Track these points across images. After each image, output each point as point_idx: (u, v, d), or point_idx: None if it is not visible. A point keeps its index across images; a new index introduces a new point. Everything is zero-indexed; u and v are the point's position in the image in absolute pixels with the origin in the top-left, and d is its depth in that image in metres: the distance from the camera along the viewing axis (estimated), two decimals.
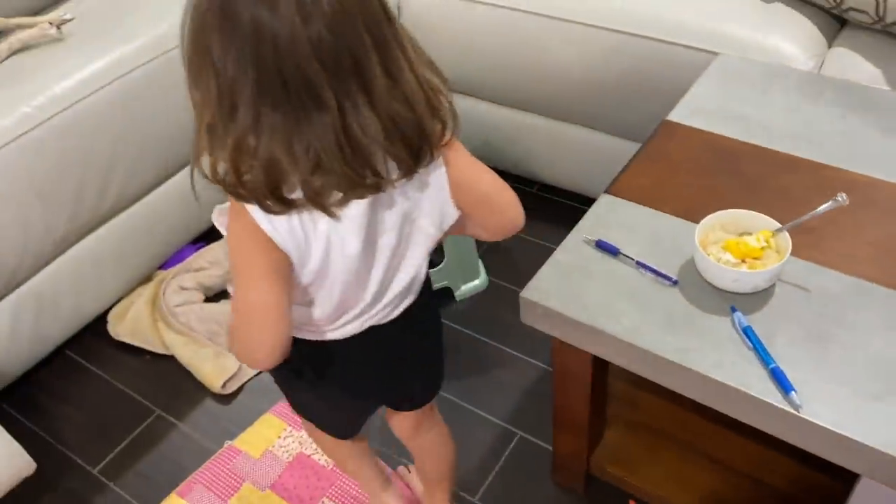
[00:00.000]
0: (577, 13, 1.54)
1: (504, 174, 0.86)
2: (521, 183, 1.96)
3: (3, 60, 1.63)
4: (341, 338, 0.90)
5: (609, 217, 1.10)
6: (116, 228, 1.64)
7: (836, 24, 1.45)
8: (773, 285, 0.97)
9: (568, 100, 1.64)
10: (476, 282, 1.69)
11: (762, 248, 0.95)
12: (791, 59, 1.37)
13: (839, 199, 0.93)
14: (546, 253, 1.05)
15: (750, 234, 0.98)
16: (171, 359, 1.63)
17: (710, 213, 1.05)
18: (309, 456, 1.36)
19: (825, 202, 0.95)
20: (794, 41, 1.38)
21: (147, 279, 1.75)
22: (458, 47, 1.73)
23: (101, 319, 1.70)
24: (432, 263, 1.66)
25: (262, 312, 0.77)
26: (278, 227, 0.74)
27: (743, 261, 0.96)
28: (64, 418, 1.56)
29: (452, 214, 0.84)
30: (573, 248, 1.06)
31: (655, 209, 1.10)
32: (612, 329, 0.94)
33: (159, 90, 1.60)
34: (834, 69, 1.35)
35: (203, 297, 1.69)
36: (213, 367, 1.56)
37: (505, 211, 0.86)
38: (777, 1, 1.45)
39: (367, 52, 0.68)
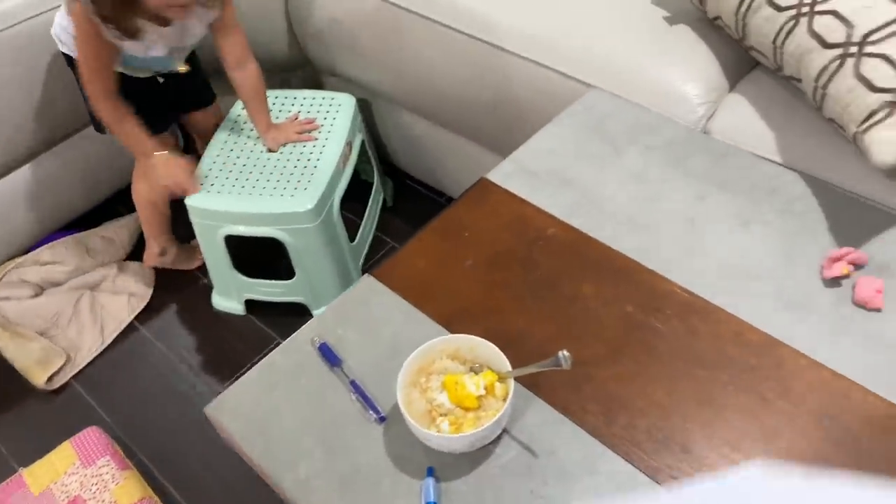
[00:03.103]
0: (443, 14, 1.29)
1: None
2: (435, 193, 1.75)
3: None
4: None
5: (358, 310, 0.90)
6: None
7: (746, 60, 1.15)
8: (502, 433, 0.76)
9: (439, 106, 1.42)
10: None
11: (479, 397, 0.74)
12: (679, 101, 1.09)
13: (561, 359, 0.70)
14: None
15: (483, 369, 0.77)
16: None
17: (480, 321, 0.85)
18: (85, 501, 1.26)
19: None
20: (689, 78, 1.10)
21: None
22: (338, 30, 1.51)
23: None
24: (285, 275, 1.51)
25: None
26: None
27: (460, 407, 0.76)
28: None
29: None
30: (297, 347, 0.87)
31: (417, 307, 0.89)
32: (284, 480, 0.76)
33: (20, 62, 1.45)
34: (725, 121, 1.07)
35: (33, 294, 1.58)
36: (39, 360, 1.47)
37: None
38: (683, 24, 1.16)
39: None
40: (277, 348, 0.87)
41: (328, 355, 0.84)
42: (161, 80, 1.42)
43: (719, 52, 1.13)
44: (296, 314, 1.52)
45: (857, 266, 0.85)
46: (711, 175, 0.98)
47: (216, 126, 1.52)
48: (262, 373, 0.85)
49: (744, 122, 1.06)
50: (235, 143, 1.47)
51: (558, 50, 1.18)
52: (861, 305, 0.81)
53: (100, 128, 1.43)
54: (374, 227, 1.68)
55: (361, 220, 1.61)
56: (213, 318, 1.58)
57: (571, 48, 1.17)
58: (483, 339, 0.77)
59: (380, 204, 1.71)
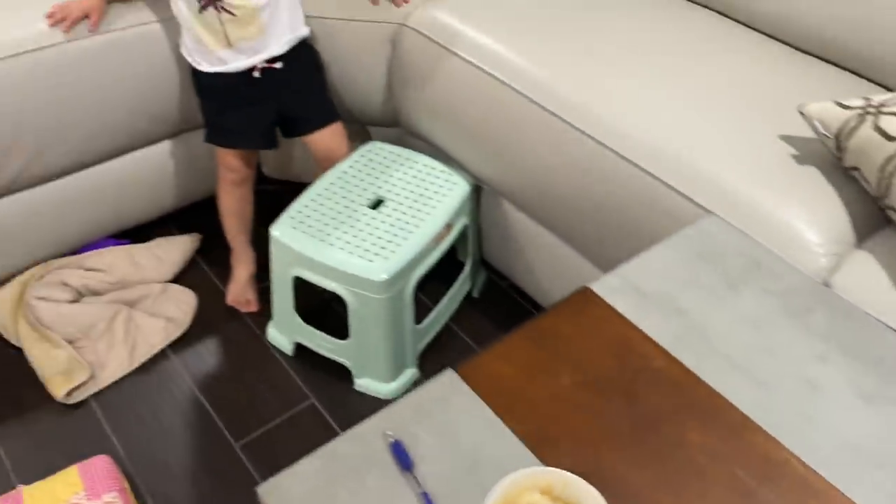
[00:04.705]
0: (562, 106, 1.25)
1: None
2: (519, 294, 1.63)
3: None
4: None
5: (436, 408, 0.82)
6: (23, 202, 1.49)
7: (879, 217, 1.08)
8: None
9: (540, 200, 1.35)
10: (381, 385, 1.43)
11: None
12: (801, 246, 1.03)
13: None
14: None
15: None
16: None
17: (570, 451, 0.77)
18: None
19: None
20: (814, 224, 1.04)
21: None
22: (442, 103, 1.46)
23: None
24: (341, 334, 1.43)
25: None
26: None
27: None
28: None
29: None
30: (366, 439, 0.79)
31: (501, 418, 0.81)
32: None
33: (99, 68, 1.43)
34: (849, 279, 1.00)
35: (71, 299, 1.51)
36: (61, 371, 1.39)
37: None
38: (812, 166, 1.10)
39: None
40: (341, 437, 0.79)
41: (400, 456, 0.76)
42: (257, 74, 1.37)
43: (850, 204, 1.06)
44: (338, 376, 1.44)
45: None
46: (834, 335, 0.90)
47: (335, 155, 1.46)
48: (323, 461, 0.77)
49: (870, 282, 0.98)
50: (343, 186, 1.43)
51: (679, 167, 1.12)
52: None
53: (211, 137, 1.45)
54: (450, 316, 1.57)
55: (436, 303, 1.51)
56: (248, 362, 1.50)
57: (692, 167, 1.11)
58: (582, 480, 0.68)
59: (463, 294, 1.60)
